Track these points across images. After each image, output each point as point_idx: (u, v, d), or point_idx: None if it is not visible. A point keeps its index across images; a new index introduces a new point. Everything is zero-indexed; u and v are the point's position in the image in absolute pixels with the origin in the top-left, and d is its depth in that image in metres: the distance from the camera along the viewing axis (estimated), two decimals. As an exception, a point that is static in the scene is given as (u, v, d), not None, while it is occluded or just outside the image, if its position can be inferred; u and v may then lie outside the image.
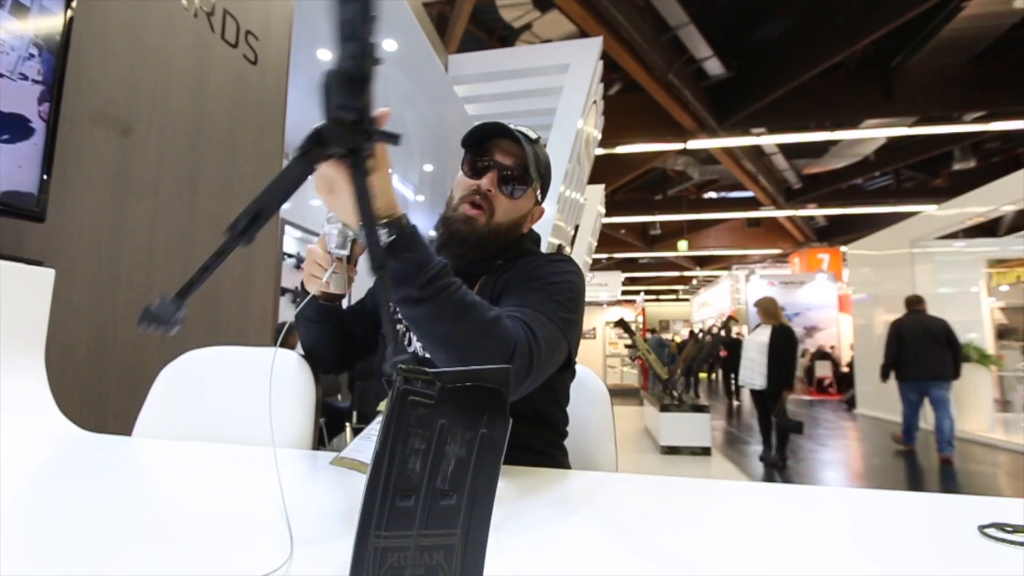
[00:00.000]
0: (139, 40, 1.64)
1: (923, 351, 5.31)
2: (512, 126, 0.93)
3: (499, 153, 0.93)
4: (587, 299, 0.98)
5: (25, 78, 1.17)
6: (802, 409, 9.87)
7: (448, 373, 0.33)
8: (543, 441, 0.89)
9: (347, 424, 3.14)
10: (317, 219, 6.35)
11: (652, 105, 9.03)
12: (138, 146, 1.64)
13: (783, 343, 4.76)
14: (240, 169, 2.11)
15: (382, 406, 0.52)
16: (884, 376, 5.68)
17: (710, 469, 4.70)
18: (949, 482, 4.83)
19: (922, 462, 5.65)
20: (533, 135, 0.96)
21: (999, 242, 9.18)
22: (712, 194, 14.78)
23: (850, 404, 9.77)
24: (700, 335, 8.37)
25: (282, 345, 0.90)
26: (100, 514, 0.57)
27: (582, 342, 1.11)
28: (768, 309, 5.02)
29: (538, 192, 0.99)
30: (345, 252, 0.81)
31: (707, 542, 0.51)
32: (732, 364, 9.76)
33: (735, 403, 10.53)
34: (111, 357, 1.52)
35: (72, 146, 1.41)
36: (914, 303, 5.64)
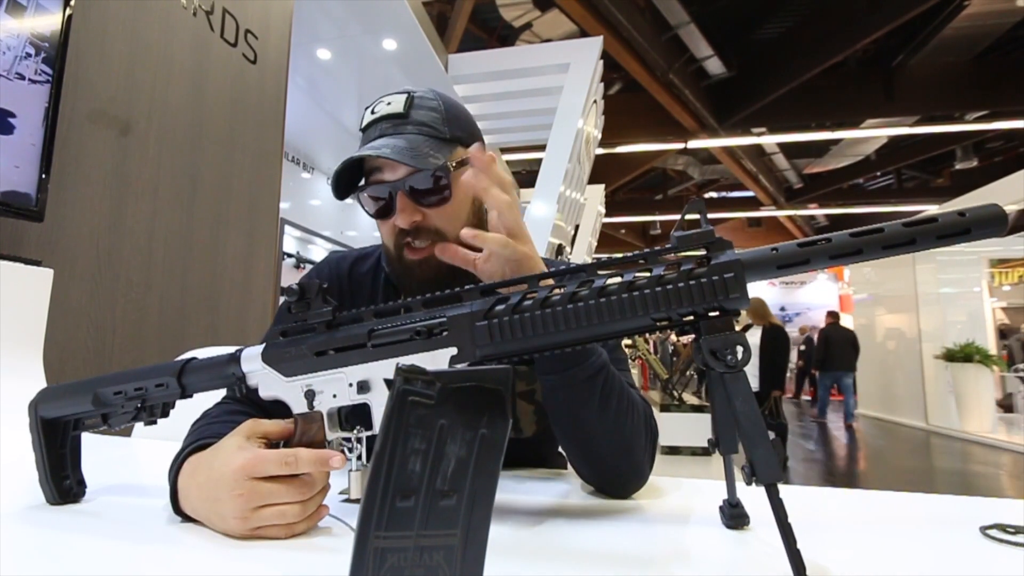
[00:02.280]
0: (138, 39, 1.64)
1: (842, 351, 7.69)
2: (372, 115, 0.70)
3: (385, 169, 0.69)
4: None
5: (22, 77, 1.17)
6: (803, 409, 9.86)
7: (448, 373, 0.33)
8: (550, 451, 0.89)
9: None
10: (316, 219, 6.34)
11: (652, 105, 9.03)
12: (137, 145, 1.64)
13: (774, 343, 4.77)
14: (239, 168, 2.11)
15: None
16: (819, 367, 8.02)
17: (711, 469, 4.70)
18: (950, 481, 4.84)
19: (925, 464, 5.66)
20: (400, 105, 0.70)
21: (1001, 242, 9.15)
22: (713, 194, 14.78)
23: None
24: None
25: None
26: (100, 515, 0.57)
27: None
28: (757, 310, 5.01)
29: (461, 148, 0.72)
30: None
31: (707, 543, 0.51)
32: None
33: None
34: (110, 357, 1.52)
35: (71, 145, 1.41)
36: (834, 317, 8.29)
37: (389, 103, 0.70)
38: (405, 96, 0.71)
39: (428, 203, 0.70)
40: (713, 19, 7.64)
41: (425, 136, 0.69)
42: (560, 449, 0.90)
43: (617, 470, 0.65)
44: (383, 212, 0.71)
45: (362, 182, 0.72)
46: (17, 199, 1.16)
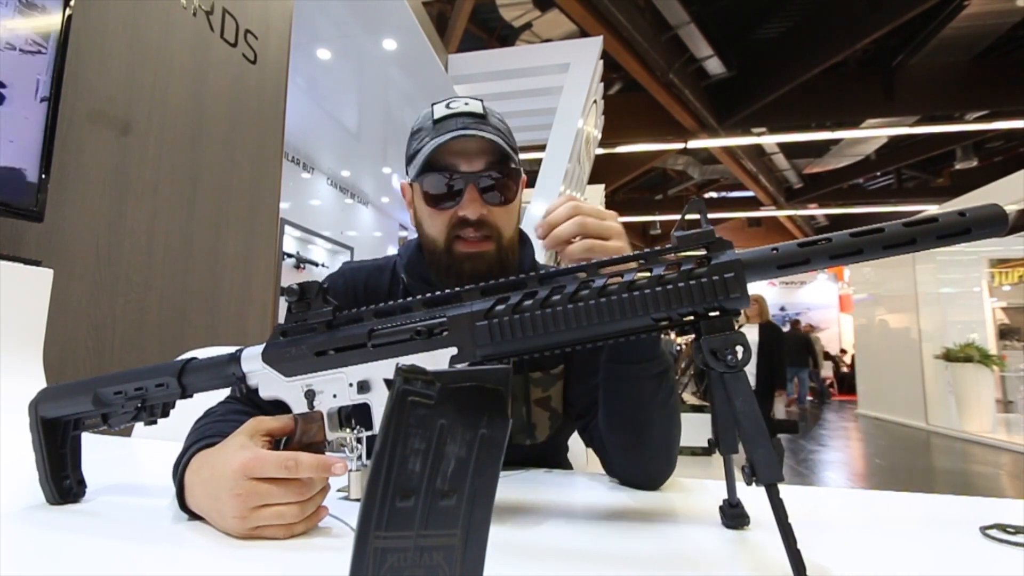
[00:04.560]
0: (138, 39, 1.64)
1: (796, 351, 9.04)
2: (449, 109, 0.72)
3: (461, 160, 0.71)
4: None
5: (12, 47, 1.14)
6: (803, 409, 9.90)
7: (448, 373, 0.33)
8: (561, 457, 0.90)
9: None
10: (316, 219, 6.33)
11: (652, 105, 9.02)
12: (137, 145, 1.64)
13: (772, 341, 4.76)
14: (239, 169, 2.11)
15: None
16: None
17: (711, 470, 4.70)
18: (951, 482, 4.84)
19: (927, 464, 5.66)
20: (479, 107, 0.73)
21: (1001, 242, 9.15)
22: (713, 194, 14.77)
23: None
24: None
25: None
26: (100, 515, 0.57)
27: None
28: (760, 307, 4.98)
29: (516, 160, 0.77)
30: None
31: (707, 543, 0.51)
32: None
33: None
34: (110, 357, 1.52)
35: (71, 145, 1.41)
36: (794, 324, 10.83)
37: (467, 103, 0.73)
38: (480, 102, 0.74)
39: (494, 200, 0.72)
40: (713, 19, 7.64)
41: (502, 139, 0.72)
42: (569, 455, 0.91)
43: (659, 461, 0.68)
44: (443, 201, 0.72)
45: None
46: (12, 177, 1.14)
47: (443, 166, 0.71)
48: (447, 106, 0.73)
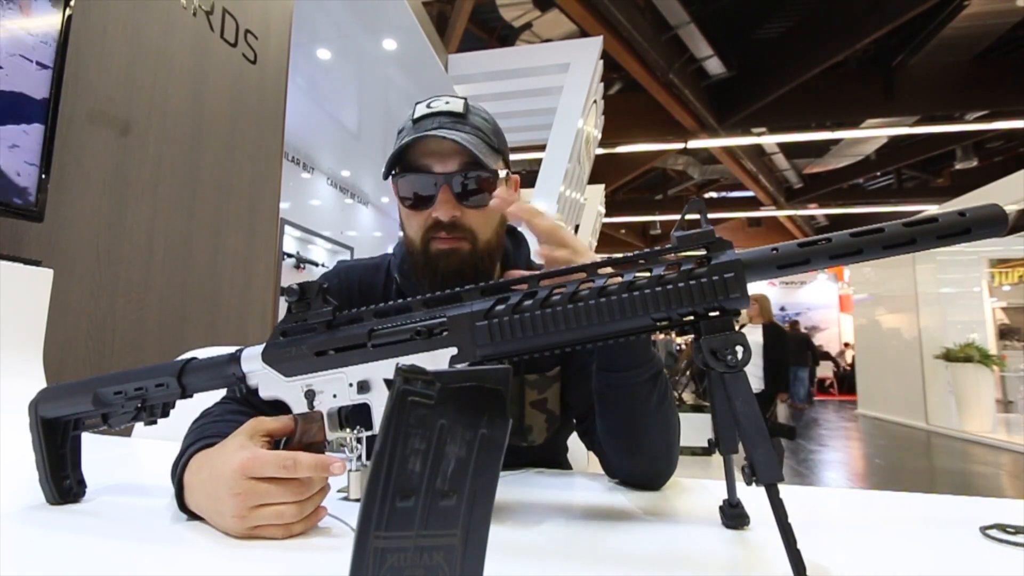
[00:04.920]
0: (138, 39, 1.64)
1: (797, 350, 8.72)
2: (428, 108, 0.71)
3: (435, 161, 0.70)
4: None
5: (44, 66, 1.17)
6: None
7: (448, 373, 0.33)
8: (560, 458, 0.90)
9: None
10: (316, 219, 6.34)
11: (652, 105, 9.02)
12: (137, 146, 1.64)
13: (776, 342, 4.72)
14: (239, 169, 2.11)
15: None
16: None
17: (711, 470, 4.70)
18: (950, 481, 4.84)
19: (927, 464, 5.66)
20: (459, 106, 0.72)
21: (1001, 242, 9.14)
22: (713, 194, 14.77)
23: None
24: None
25: None
26: (100, 515, 0.57)
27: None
28: (761, 306, 4.94)
29: (502, 161, 0.76)
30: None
31: (707, 543, 0.51)
32: None
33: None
34: (110, 357, 1.52)
35: (71, 145, 1.41)
36: (793, 325, 10.72)
37: (448, 102, 0.72)
38: (463, 100, 0.73)
39: (469, 203, 0.70)
40: (713, 19, 7.64)
41: (480, 139, 0.70)
42: (569, 455, 0.91)
43: (658, 463, 0.68)
44: (418, 203, 0.71)
45: (396, 170, 0.72)
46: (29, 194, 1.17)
47: (417, 167, 0.70)
48: (428, 105, 0.72)
